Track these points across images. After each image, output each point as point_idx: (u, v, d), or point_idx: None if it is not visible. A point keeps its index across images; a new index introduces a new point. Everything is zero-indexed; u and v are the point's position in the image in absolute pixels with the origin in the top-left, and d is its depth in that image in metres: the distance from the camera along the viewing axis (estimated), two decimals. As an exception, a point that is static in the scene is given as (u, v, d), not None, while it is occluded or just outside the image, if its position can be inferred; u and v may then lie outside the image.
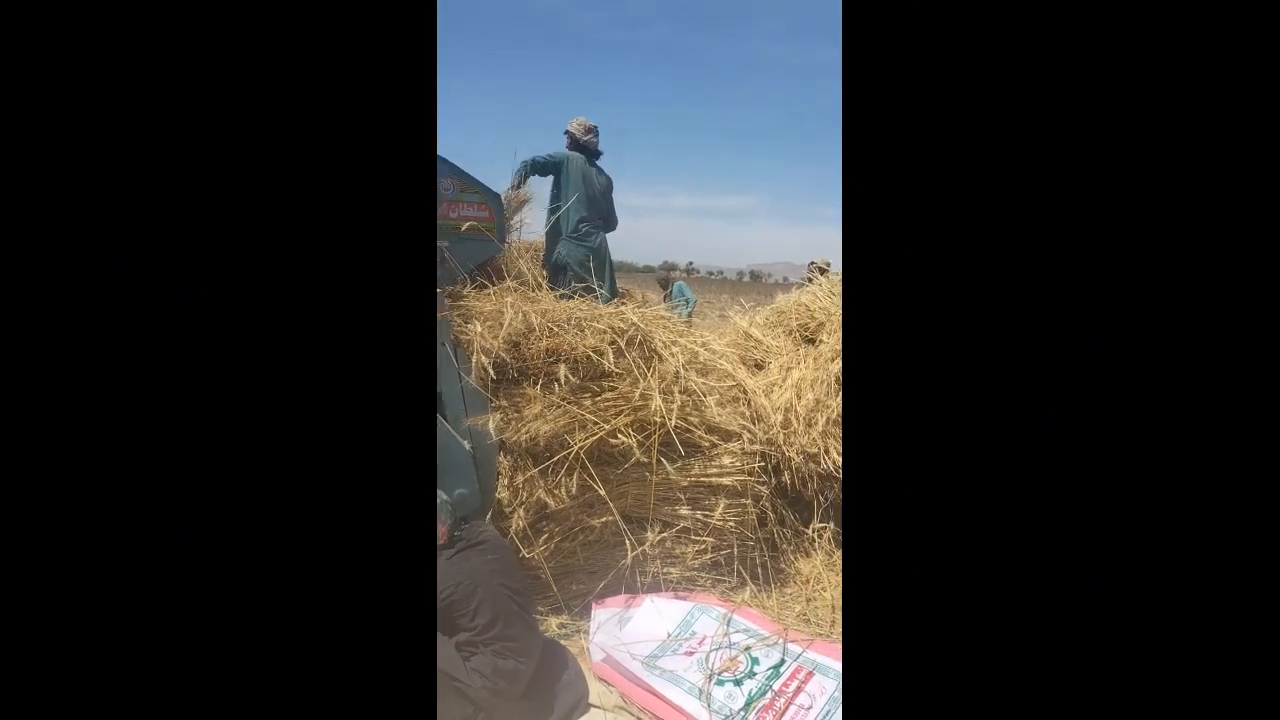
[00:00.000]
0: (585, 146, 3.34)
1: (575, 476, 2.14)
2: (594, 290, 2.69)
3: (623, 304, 2.59)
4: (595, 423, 2.16)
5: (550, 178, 3.32)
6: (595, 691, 1.90)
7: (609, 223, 3.56)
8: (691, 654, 1.96)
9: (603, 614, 2.13)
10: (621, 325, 2.28)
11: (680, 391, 2.22)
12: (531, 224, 3.36)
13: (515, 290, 2.47)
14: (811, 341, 2.75)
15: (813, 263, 4.97)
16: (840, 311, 2.61)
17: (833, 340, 2.56)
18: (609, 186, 3.51)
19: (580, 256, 3.34)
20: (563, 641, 2.06)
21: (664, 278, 5.90)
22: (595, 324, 2.26)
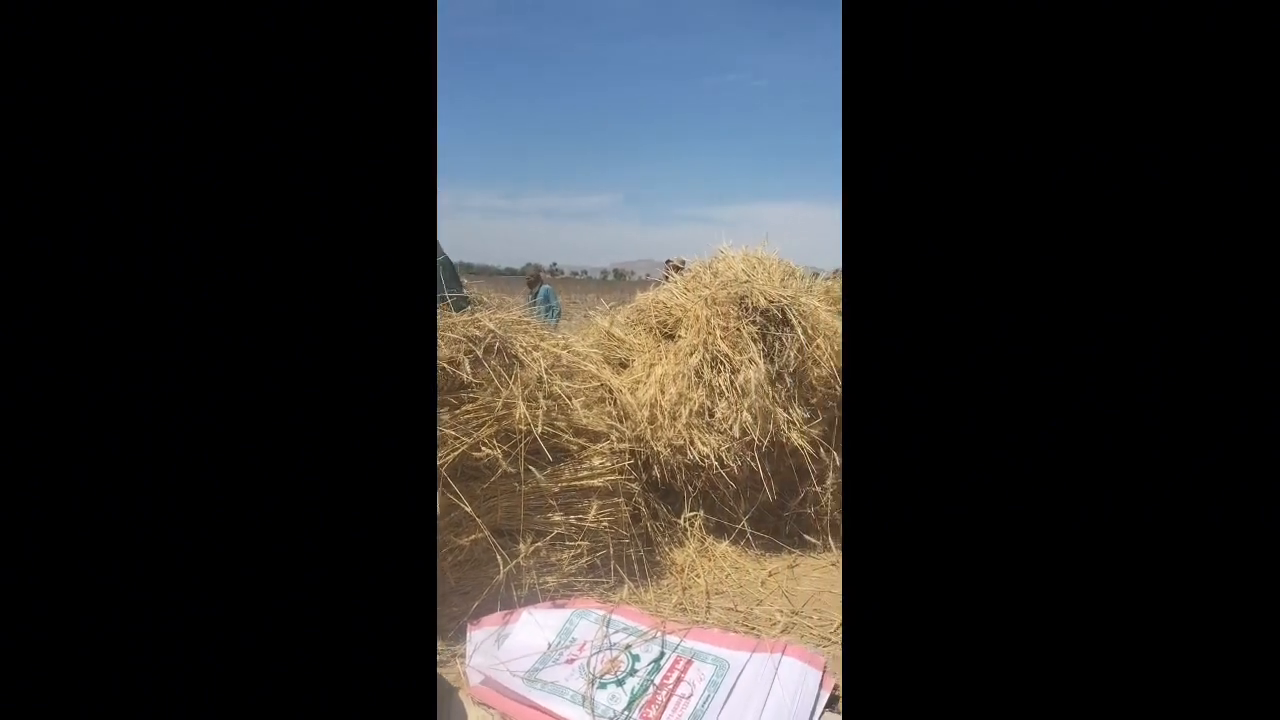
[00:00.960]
0: None
1: (439, 496, 2.16)
2: (443, 297, 2.71)
3: (477, 311, 2.63)
4: (456, 438, 2.20)
5: None
6: (475, 717, 1.93)
7: None
8: (572, 661, 2.07)
9: (479, 635, 2.17)
10: (478, 333, 2.33)
11: (545, 397, 2.33)
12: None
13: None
14: (671, 337, 3.02)
15: (669, 261, 5.36)
16: (695, 307, 2.89)
17: (690, 335, 2.84)
18: None
19: None
20: (438, 671, 2.06)
21: (534, 277, 6.08)
22: (448, 334, 2.29)
